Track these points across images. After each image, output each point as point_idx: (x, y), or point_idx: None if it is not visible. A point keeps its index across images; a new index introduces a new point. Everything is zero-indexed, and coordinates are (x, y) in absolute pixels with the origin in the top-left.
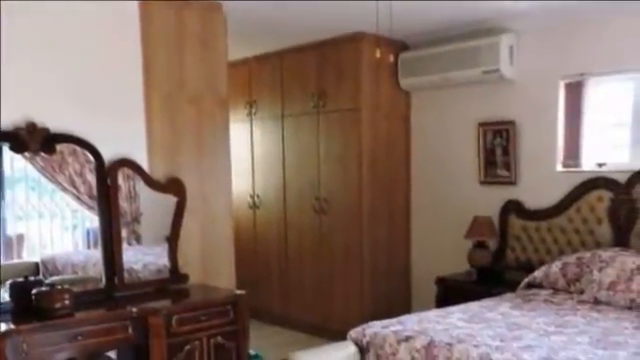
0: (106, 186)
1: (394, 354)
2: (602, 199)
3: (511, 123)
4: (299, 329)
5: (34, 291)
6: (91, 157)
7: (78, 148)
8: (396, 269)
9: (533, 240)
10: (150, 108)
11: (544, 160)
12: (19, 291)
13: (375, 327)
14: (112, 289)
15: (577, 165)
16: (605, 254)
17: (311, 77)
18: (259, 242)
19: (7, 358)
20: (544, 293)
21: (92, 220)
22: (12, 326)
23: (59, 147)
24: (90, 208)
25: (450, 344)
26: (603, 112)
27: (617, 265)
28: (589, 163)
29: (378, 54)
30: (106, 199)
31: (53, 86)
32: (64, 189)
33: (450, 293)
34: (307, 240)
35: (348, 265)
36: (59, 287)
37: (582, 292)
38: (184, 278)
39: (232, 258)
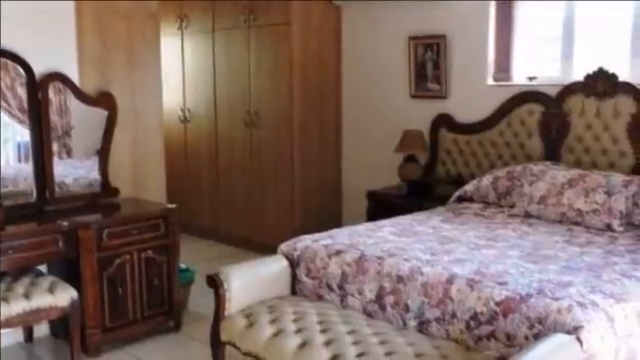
0: (37, 100)
1: (325, 268)
2: (533, 113)
3: (442, 37)
4: (230, 243)
5: None
6: (22, 71)
7: (9, 62)
8: (327, 183)
9: (464, 154)
10: (81, 22)
11: (475, 74)
12: None
13: (306, 241)
14: (43, 203)
15: (508, 79)
16: (536, 168)
17: None
18: (190, 156)
19: None
20: (475, 207)
21: (23, 134)
22: None
23: None
24: (21, 122)
25: (381, 258)
26: (534, 26)
27: (548, 179)
28: (520, 77)
29: None
30: (37, 113)
31: None
32: None
33: (381, 207)
34: (238, 154)
35: (279, 179)
36: None
37: (513, 206)
38: (115, 192)
39: (163, 172)
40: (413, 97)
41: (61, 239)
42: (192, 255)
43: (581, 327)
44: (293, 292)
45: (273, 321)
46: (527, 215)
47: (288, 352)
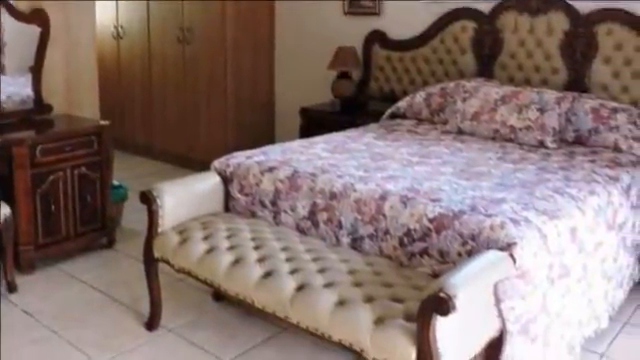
0: None
1: (258, 185)
2: (466, 29)
3: None
4: (163, 160)
5: None
6: None
7: None
8: (260, 100)
9: (397, 71)
10: None
11: None
12: None
13: (239, 158)
14: None
15: None
16: (469, 84)
17: None
18: (123, 72)
19: None
20: (408, 123)
21: None
22: None
23: None
24: None
25: (314, 174)
26: None
27: (481, 96)
28: None
29: None
30: None
31: None
32: None
33: (314, 124)
34: (171, 70)
35: (212, 96)
36: None
37: (446, 122)
38: (48, 109)
39: (96, 89)
40: (346, 14)
41: None
42: (125, 172)
43: (514, 244)
44: (226, 209)
45: (206, 238)
46: (460, 132)
47: (221, 268)
